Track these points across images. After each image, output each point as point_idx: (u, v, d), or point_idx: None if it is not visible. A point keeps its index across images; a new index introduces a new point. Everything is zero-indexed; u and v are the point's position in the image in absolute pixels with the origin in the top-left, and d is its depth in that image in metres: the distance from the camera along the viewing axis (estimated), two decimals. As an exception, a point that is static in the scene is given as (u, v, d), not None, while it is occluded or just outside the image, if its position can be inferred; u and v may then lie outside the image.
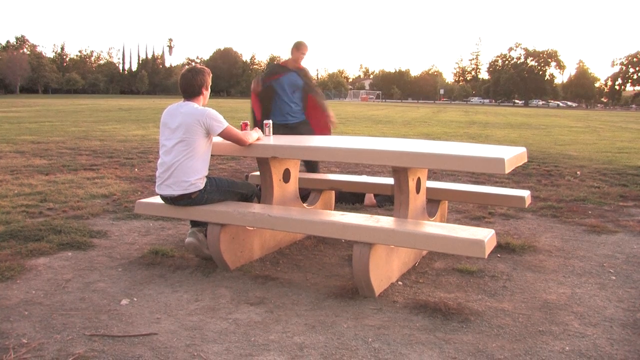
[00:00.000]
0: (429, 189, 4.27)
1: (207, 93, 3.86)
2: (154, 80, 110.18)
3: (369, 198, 5.70)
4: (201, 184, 3.65)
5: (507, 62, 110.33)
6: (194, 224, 3.89)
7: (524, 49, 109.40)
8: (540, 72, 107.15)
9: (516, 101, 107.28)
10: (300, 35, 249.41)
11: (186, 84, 3.74)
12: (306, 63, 6.27)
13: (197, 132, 3.59)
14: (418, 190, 3.74)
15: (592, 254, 4.15)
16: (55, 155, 9.38)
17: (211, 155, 3.83)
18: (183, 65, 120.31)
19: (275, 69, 5.69)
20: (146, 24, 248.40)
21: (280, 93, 5.57)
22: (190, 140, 3.58)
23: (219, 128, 3.64)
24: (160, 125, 3.78)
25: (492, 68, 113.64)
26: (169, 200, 3.69)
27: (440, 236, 2.98)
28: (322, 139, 4.51)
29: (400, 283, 3.47)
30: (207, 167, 3.75)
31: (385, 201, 5.69)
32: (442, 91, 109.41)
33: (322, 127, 5.78)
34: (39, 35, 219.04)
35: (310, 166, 5.77)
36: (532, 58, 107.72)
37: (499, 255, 4.07)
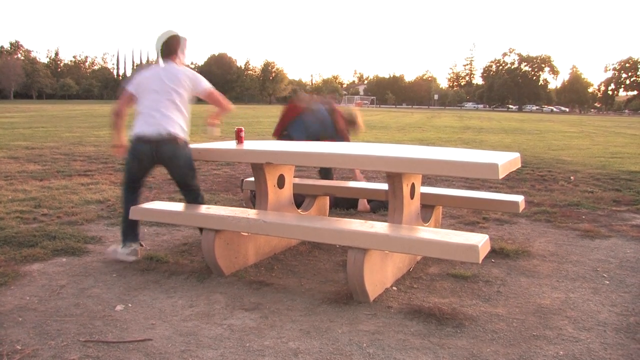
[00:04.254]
0: (423, 195, 4.29)
1: (182, 57, 3.98)
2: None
3: (363, 204, 5.72)
4: (183, 135, 3.84)
5: (501, 67, 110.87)
6: (131, 238, 3.99)
7: (517, 54, 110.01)
8: (534, 78, 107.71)
9: (510, 106, 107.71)
10: (298, 45, 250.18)
11: (162, 42, 3.89)
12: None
13: (186, 88, 3.84)
14: (412, 196, 3.75)
15: (585, 259, 4.17)
16: (50, 161, 9.35)
17: (205, 161, 3.88)
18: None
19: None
20: (141, 30, 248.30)
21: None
22: (180, 98, 3.82)
23: (206, 84, 3.94)
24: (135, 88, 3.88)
25: (486, 73, 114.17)
26: (153, 143, 3.76)
27: (435, 241, 2.99)
28: (317, 144, 4.52)
29: (394, 288, 3.47)
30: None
31: (380, 207, 5.71)
32: (436, 96, 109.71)
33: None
34: (33, 40, 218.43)
35: (325, 173, 5.84)
36: (525, 63, 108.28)
37: (493, 260, 4.09)
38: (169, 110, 3.76)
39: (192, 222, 3.72)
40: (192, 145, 4.11)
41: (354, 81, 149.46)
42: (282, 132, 5.66)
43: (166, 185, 7.12)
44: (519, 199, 4.35)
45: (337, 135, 5.56)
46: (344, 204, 5.71)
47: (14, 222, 4.90)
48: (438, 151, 3.77)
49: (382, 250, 3.26)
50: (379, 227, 3.25)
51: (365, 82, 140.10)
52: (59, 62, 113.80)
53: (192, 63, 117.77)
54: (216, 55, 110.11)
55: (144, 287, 3.45)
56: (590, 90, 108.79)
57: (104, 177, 7.70)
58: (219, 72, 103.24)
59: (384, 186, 4.59)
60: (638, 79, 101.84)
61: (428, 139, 17.26)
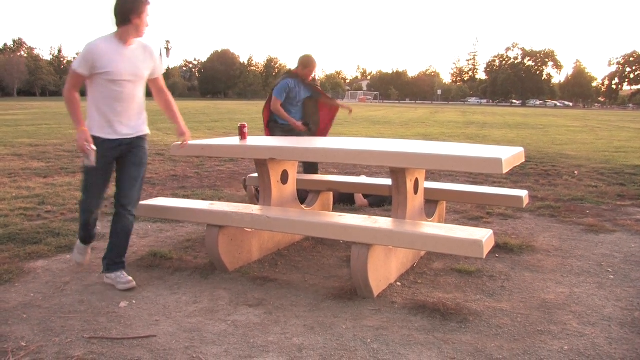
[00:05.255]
0: (427, 190, 4.28)
1: (139, 23, 3.19)
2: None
3: (360, 198, 5.71)
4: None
5: (504, 62, 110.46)
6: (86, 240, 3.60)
7: (521, 49, 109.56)
8: (538, 72, 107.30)
9: (514, 101, 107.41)
10: (301, 40, 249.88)
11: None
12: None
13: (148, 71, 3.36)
14: (416, 191, 3.74)
15: (590, 254, 4.16)
16: (53, 158, 9.36)
17: (208, 157, 3.81)
18: (180, 67, 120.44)
19: (291, 75, 5.75)
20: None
21: (288, 100, 5.68)
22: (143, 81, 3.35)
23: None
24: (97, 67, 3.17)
25: (490, 68, 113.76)
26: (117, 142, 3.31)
27: (439, 237, 2.98)
28: (319, 140, 4.51)
29: (398, 284, 3.47)
30: None
31: (379, 201, 5.70)
32: (439, 92, 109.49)
33: (322, 130, 6.04)
34: (36, 38, 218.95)
35: (310, 168, 5.81)
36: (529, 58, 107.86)
37: (497, 255, 4.08)
38: None
39: (196, 218, 3.72)
40: (197, 141, 4.11)
41: (357, 77, 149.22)
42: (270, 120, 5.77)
43: (169, 181, 7.12)
44: (523, 193, 4.34)
45: (307, 87, 5.74)
46: (340, 199, 5.71)
47: (18, 219, 4.91)
48: (441, 146, 3.75)
49: (386, 246, 3.25)
50: (383, 222, 3.24)
51: (369, 77, 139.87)
52: (62, 59, 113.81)
53: (195, 59, 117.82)
54: (219, 51, 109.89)
55: (148, 283, 3.45)
56: (594, 84, 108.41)
57: (108, 173, 7.70)
58: (222, 68, 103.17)
59: (388, 181, 4.58)
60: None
61: (431, 134, 17.23)
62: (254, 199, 5.55)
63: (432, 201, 4.45)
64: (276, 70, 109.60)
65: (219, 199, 5.97)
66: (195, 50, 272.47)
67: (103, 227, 4.79)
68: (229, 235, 3.65)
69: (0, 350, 2.53)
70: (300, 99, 5.75)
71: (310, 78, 5.76)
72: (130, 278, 3.36)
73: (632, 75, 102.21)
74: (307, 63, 5.63)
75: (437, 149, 3.46)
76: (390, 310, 3.06)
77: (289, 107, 5.67)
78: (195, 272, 3.66)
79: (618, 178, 7.84)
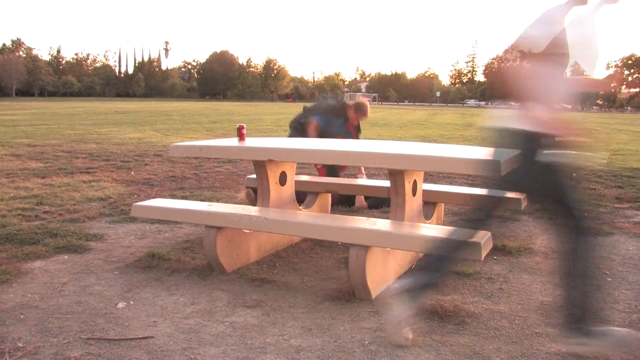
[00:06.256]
0: (425, 192, 4.28)
1: None
2: (150, 83, 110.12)
3: (360, 200, 5.72)
4: None
5: (503, 64, 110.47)
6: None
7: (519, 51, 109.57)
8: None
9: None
10: (300, 42, 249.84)
11: None
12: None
13: None
14: (414, 193, 3.74)
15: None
16: (52, 159, 9.35)
17: (206, 158, 3.80)
18: (179, 68, 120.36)
19: (341, 112, 5.78)
20: (142, 27, 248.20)
21: (324, 127, 5.75)
22: None
23: None
24: None
25: (488, 70, 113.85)
26: None
27: (437, 238, 2.98)
28: (318, 141, 4.51)
29: (396, 285, 3.46)
30: None
31: (378, 203, 5.70)
32: (438, 93, 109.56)
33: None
34: (35, 38, 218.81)
35: (331, 171, 5.86)
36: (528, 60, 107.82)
37: (495, 258, 4.08)
38: None
39: (194, 219, 3.72)
40: (195, 142, 4.11)
41: (355, 78, 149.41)
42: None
43: (168, 182, 7.12)
44: (522, 196, 4.34)
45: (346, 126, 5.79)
46: (344, 201, 5.72)
47: (15, 219, 4.90)
48: (440, 148, 3.76)
49: (384, 248, 3.25)
50: (381, 224, 3.24)
51: (367, 79, 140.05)
52: (60, 60, 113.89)
53: (194, 60, 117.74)
54: (218, 52, 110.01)
55: (146, 284, 3.45)
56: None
57: (106, 174, 7.70)
58: (221, 69, 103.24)
59: (386, 183, 4.58)
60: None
61: (430, 136, 17.24)
62: (252, 201, 5.54)
63: (430, 203, 4.45)
64: (275, 71, 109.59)
65: (217, 200, 5.97)
66: (194, 51, 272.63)
67: (106, 228, 4.79)
68: (227, 236, 3.65)
69: (-3, 351, 2.52)
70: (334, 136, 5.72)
71: (356, 122, 5.89)
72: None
73: (630, 78, 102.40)
74: (365, 110, 5.75)
75: (436, 151, 3.46)
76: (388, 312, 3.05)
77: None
78: (193, 273, 3.65)
79: (616, 181, 7.84)
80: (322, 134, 5.71)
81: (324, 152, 3.70)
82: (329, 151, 3.66)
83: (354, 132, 5.97)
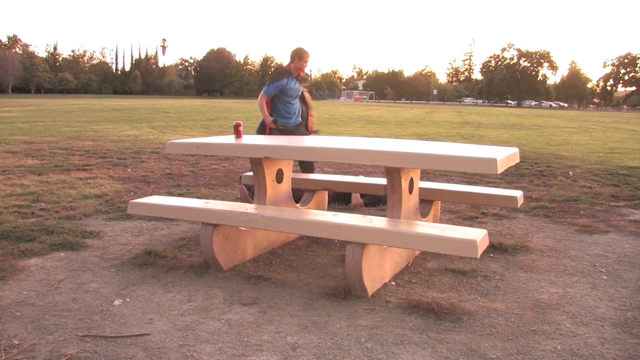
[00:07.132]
0: (421, 189, 4.28)
1: None
2: (147, 80, 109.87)
3: (356, 198, 5.72)
4: None
5: (500, 62, 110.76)
6: None
7: (517, 49, 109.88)
8: (533, 73, 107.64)
9: (509, 102, 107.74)
10: (297, 40, 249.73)
11: None
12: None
13: None
14: (411, 191, 3.75)
15: (583, 254, 4.17)
16: (48, 156, 9.33)
17: (203, 155, 3.79)
18: (176, 65, 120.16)
19: (285, 73, 5.71)
20: (139, 24, 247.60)
21: (287, 97, 5.65)
22: None
23: None
24: None
25: (485, 69, 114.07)
26: None
27: (433, 236, 2.99)
28: (315, 139, 4.51)
29: (393, 283, 3.47)
30: None
31: (374, 201, 5.71)
32: (435, 92, 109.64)
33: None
34: (31, 34, 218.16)
35: (306, 167, 5.80)
36: (525, 59, 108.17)
37: (491, 255, 4.09)
38: None
39: (190, 216, 3.71)
40: (192, 140, 4.10)
41: (353, 76, 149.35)
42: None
43: (164, 180, 7.11)
44: (518, 194, 4.35)
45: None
46: (340, 199, 5.72)
47: (11, 216, 4.89)
48: (437, 146, 3.76)
49: (380, 245, 3.26)
50: (378, 221, 3.25)
51: (364, 77, 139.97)
52: (57, 57, 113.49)
53: (191, 58, 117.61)
54: (215, 49, 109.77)
55: (142, 281, 3.45)
56: (589, 85, 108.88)
57: (103, 171, 7.69)
58: (218, 66, 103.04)
59: (383, 181, 4.58)
60: (637, 75, 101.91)
61: (427, 134, 17.25)
62: (247, 198, 5.54)
63: (427, 201, 4.45)
64: (272, 69, 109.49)
65: (214, 198, 5.96)
66: (191, 48, 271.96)
67: (102, 225, 4.78)
68: (223, 233, 3.65)
69: (-7, 348, 2.52)
70: (298, 94, 5.70)
71: (303, 73, 5.73)
72: None
73: (626, 77, 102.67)
74: (301, 54, 5.56)
75: (432, 149, 3.46)
76: (384, 309, 3.06)
77: (291, 102, 5.66)
78: (190, 271, 3.65)
79: (612, 179, 7.87)
80: (278, 99, 5.62)
81: (320, 149, 3.70)
82: (326, 149, 3.66)
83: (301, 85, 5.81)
